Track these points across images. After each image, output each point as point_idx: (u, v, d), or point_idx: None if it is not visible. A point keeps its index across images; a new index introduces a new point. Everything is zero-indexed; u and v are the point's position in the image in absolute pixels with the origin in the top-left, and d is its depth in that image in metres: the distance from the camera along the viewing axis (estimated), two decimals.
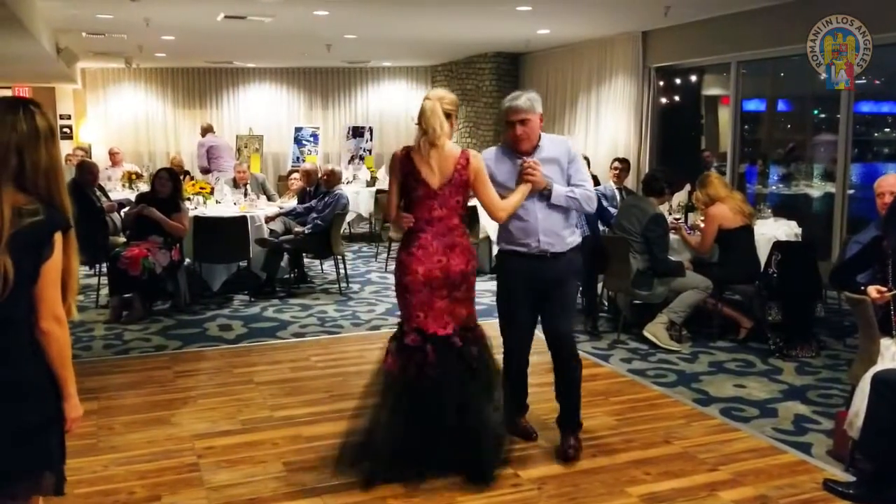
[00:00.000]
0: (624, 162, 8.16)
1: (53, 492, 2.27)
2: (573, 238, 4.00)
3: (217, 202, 8.34)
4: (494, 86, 12.92)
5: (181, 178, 9.60)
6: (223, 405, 4.77)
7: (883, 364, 3.62)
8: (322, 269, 9.16)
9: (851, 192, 7.86)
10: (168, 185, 7.01)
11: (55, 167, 2.20)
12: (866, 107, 10.68)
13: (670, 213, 7.37)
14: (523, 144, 3.84)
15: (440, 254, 3.62)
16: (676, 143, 10.52)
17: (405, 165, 3.66)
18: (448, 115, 3.65)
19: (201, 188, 8.34)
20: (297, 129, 14.72)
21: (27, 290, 2.11)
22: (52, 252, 2.13)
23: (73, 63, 11.93)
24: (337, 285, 8.13)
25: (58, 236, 2.15)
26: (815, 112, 10.64)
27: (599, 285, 6.64)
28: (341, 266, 8.21)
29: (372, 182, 11.93)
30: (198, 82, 14.98)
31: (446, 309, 3.66)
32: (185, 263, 7.44)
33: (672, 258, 6.20)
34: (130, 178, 10.14)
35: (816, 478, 3.72)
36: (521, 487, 3.66)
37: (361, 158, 14.06)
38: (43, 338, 2.15)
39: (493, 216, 3.78)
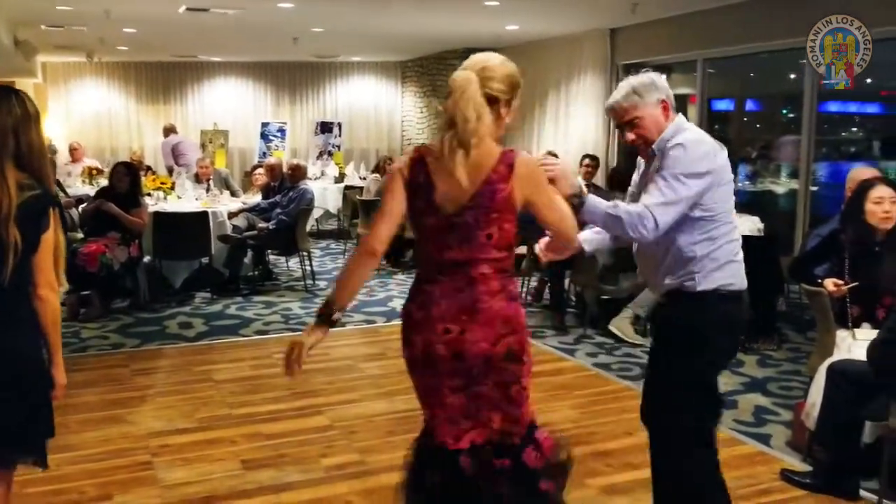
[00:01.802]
0: (595, 160, 8.21)
1: (39, 464, 2.43)
2: (697, 275, 2.67)
3: (178, 197, 8.22)
4: None
5: (143, 173, 9.48)
6: (181, 403, 4.69)
7: (839, 355, 3.65)
8: (288, 266, 9.07)
9: (815, 189, 7.93)
10: (125, 179, 6.88)
11: (42, 149, 2.42)
12: (834, 106, 10.80)
13: None
14: (643, 150, 2.79)
15: (450, 320, 2.32)
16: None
17: (415, 174, 2.36)
18: (494, 100, 2.36)
19: (162, 183, 8.22)
20: (264, 125, 14.55)
21: (29, 259, 2.30)
22: (49, 223, 2.33)
23: (33, 56, 11.69)
24: (303, 282, 8.05)
25: (52, 209, 2.35)
26: (784, 111, 10.74)
27: (567, 280, 6.65)
28: (307, 263, 8.13)
29: (340, 178, 11.85)
30: (161, 76, 14.76)
31: (463, 410, 2.38)
32: (145, 260, 7.32)
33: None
34: (91, 174, 9.96)
35: (775, 468, 3.74)
36: None
37: (330, 154, 13.96)
38: (41, 304, 2.35)
39: (571, 244, 2.59)
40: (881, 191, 3.76)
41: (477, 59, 2.40)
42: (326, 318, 2.34)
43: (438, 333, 2.32)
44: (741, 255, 2.78)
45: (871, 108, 11.92)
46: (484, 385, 2.34)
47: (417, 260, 2.51)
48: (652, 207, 2.55)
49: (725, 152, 2.69)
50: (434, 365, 2.35)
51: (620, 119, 2.75)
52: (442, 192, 2.30)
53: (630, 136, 2.74)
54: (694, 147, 2.60)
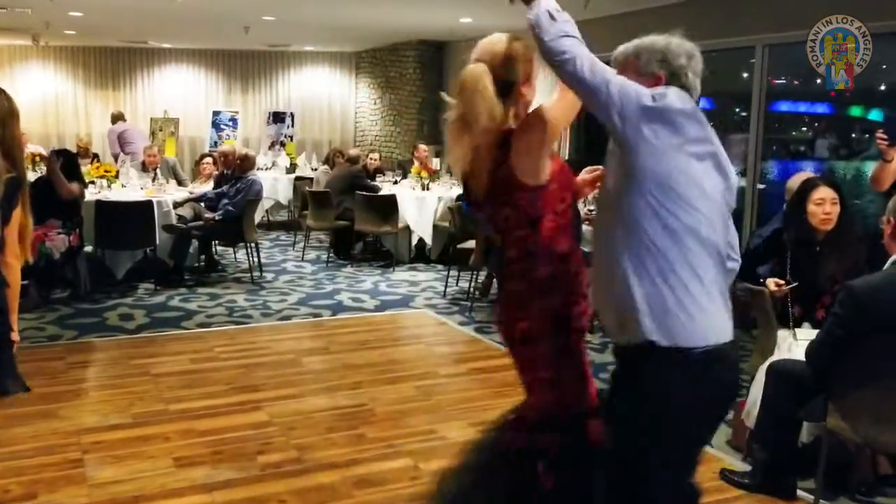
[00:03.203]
0: None
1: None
2: (669, 318, 2.00)
3: (122, 186, 8.01)
4: (418, 74, 12.80)
5: (88, 160, 9.24)
6: (115, 398, 4.55)
7: (780, 355, 3.66)
8: (235, 258, 8.91)
9: (763, 186, 8.01)
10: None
11: (20, 140, 2.74)
12: (784, 106, 10.95)
13: (584, 205, 7.39)
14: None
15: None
16: (597, 135, 10.57)
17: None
18: (511, 84, 2.22)
19: (106, 171, 7.99)
20: (216, 113, 14.32)
21: (2, 231, 2.62)
22: (18, 202, 2.66)
23: None
24: (249, 274, 7.91)
25: (21, 191, 2.68)
26: (737, 110, 10.87)
27: None
28: (254, 254, 7.99)
29: (292, 169, 11.70)
30: (110, 62, 14.41)
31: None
32: (87, 249, 7.12)
33: (585, 249, 6.18)
34: (34, 160, 9.65)
35: (714, 467, 3.73)
36: (420, 480, 3.57)
37: (282, 144, 13.79)
38: (6, 269, 2.66)
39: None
40: (822, 192, 3.78)
41: (484, 46, 2.27)
42: None
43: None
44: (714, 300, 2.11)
45: (821, 108, 12.12)
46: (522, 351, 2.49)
47: None
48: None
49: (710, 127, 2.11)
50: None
51: None
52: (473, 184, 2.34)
53: None
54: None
